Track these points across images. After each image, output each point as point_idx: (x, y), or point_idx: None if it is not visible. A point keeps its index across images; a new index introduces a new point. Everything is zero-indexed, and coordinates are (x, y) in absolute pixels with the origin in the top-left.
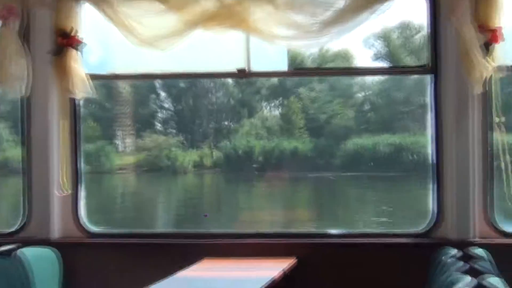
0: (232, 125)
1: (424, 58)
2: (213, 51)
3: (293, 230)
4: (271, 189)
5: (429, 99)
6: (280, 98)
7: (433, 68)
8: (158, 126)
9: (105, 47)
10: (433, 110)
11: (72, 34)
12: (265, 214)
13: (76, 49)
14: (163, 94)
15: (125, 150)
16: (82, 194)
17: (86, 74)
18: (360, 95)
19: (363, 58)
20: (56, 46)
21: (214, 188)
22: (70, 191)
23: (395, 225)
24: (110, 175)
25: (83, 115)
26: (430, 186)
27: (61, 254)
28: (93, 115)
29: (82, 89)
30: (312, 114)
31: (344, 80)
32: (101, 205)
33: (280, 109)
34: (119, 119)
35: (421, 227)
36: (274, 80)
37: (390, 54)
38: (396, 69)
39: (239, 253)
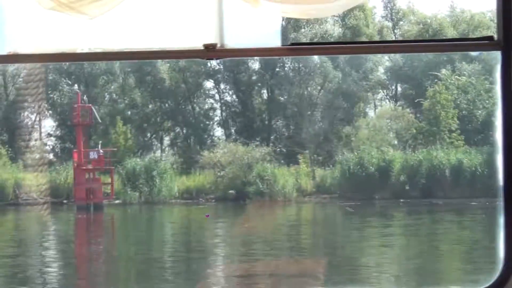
0: (339, 127)
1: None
2: (175, 23)
3: None
4: (421, 224)
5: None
6: (407, 85)
7: (504, 42)
8: (219, 130)
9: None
10: (503, 102)
11: None
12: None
13: None
14: (222, 82)
15: (173, 167)
16: None
17: None
18: None
19: None
20: None
21: (316, 228)
22: None
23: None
24: (161, 206)
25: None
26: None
27: None
28: (121, 113)
29: None
30: (467, 109)
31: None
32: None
33: (412, 102)
34: (159, 120)
35: (486, 283)
36: (388, 59)
37: None
38: (447, 44)
39: None
